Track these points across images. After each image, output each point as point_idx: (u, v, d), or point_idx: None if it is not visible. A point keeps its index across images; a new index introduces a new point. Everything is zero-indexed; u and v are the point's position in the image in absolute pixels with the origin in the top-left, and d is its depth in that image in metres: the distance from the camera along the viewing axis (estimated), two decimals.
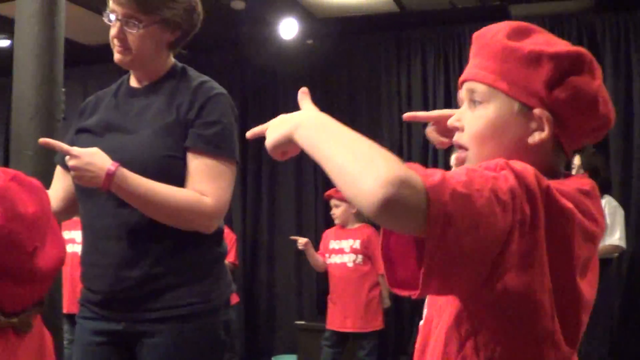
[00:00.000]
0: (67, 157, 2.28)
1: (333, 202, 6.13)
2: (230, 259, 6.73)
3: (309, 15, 7.34)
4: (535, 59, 1.43)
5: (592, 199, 1.43)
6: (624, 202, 6.32)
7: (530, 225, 1.25)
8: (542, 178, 1.29)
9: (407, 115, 1.81)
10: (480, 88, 1.48)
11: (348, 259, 5.97)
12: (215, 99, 2.46)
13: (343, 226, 6.14)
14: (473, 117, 1.49)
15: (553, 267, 1.29)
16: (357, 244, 5.96)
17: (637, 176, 6.94)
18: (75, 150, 2.28)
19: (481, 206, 1.20)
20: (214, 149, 2.42)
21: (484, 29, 1.53)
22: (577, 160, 5.77)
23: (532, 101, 1.44)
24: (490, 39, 1.49)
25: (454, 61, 7.55)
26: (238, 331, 7.83)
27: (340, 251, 6.01)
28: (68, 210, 2.64)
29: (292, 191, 8.07)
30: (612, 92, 7.00)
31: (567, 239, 1.32)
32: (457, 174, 1.24)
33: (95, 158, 2.27)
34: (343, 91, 7.89)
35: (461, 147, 1.52)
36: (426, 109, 7.51)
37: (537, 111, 1.43)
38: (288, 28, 7.36)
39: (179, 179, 2.39)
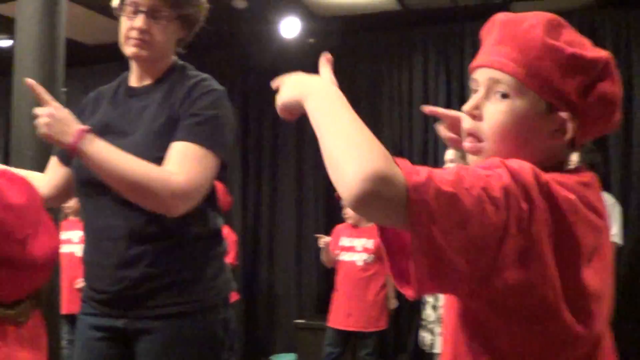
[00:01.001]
0: (42, 110, 2.26)
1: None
2: (229, 259, 6.73)
3: (310, 14, 7.34)
4: (574, 62, 1.42)
5: (592, 189, 1.42)
6: (623, 199, 6.31)
7: (527, 221, 1.24)
8: (540, 174, 1.28)
9: (428, 109, 1.78)
10: (508, 80, 1.43)
11: (358, 258, 5.96)
12: (209, 94, 2.42)
13: (355, 225, 6.11)
14: (497, 109, 1.44)
15: (559, 260, 1.28)
16: (370, 244, 5.93)
17: (636, 173, 6.94)
18: (55, 103, 2.26)
19: (470, 204, 1.19)
20: (195, 135, 2.34)
21: (515, 16, 1.50)
22: (575, 157, 5.74)
23: (559, 103, 1.42)
24: (525, 31, 1.44)
25: (455, 59, 7.55)
26: (237, 330, 7.83)
27: (351, 249, 6.00)
28: (56, 197, 2.64)
29: (293, 191, 8.07)
30: None
31: (571, 231, 1.30)
32: (446, 172, 1.24)
33: (70, 117, 2.26)
34: (344, 90, 7.69)
35: (473, 137, 1.48)
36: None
37: (563, 115, 1.42)
38: (290, 27, 7.36)
39: None
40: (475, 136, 1.47)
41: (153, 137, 2.36)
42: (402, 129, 7.74)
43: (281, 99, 1.58)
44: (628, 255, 6.71)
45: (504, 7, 7.08)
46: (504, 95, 1.43)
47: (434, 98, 7.60)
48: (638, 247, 6.81)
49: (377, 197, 1.15)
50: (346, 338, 6.03)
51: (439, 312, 4.68)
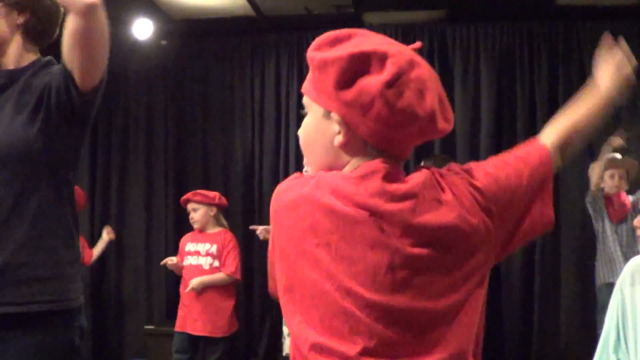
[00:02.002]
0: None
1: (190, 206, 6.01)
2: (85, 260, 6.58)
3: (164, 16, 7.26)
4: (323, 65, 1.49)
5: (362, 182, 1.48)
6: None
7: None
8: (280, 193, 1.59)
9: None
10: (304, 99, 1.57)
11: (204, 262, 5.87)
12: None
13: (202, 230, 6.05)
14: (302, 126, 1.58)
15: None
16: (213, 249, 5.88)
17: None
18: None
19: None
20: None
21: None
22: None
23: (330, 105, 1.49)
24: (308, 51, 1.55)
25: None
26: (86, 336, 7.62)
27: (197, 253, 5.91)
28: None
29: (142, 192, 7.92)
30: (461, 101, 7.23)
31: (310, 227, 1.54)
32: None
33: None
34: (196, 94, 7.83)
35: None
36: (279, 113, 7.58)
37: (332, 114, 1.49)
38: (142, 28, 7.24)
39: (41, 164, 2.34)
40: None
41: (18, 123, 2.33)
42: (254, 134, 7.74)
43: None
44: None
45: (357, 16, 7.20)
46: (306, 113, 1.57)
47: (286, 104, 7.65)
48: None
49: None
50: (194, 343, 5.94)
51: None
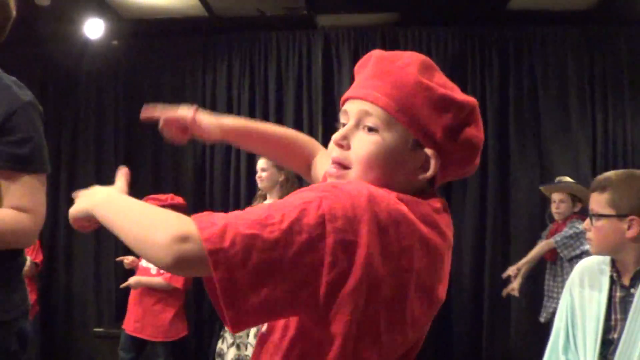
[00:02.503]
0: None
1: None
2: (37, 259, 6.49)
3: (115, 16, 7.21)
4: (443, 103, 1.46)
5: (441, 214, 1.47)
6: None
7: (349, 245, 1.27)
8: (378, 199, 1.33)
9: (144, 114, 1.90)
10: (379, 113, 1.46)
11: (153, 265, 5.81)
12: (23, 110, 2.36)
13: None
14: (365, 140, 1.47)
15: (386, 285, 1.32)
16: None
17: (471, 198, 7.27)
18: None
19: (275, 239, 1.22)
20: (29, 167, 2.34)
21: (390, 54, 1.53)
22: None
23: (426, 140, 1.46)
24: (400, 68, 1.48)
25: (259, 67, 7.62)
26: (34, 339, 7.55)
27: None
28: None
29: None
30: None
31: (404, 250, 1.34)
32: (254, 212, 1.27)
33: None
34: (147, 94, 7.77)
35: (339, 164, 1.50)
36: (230, 112, 7.55)
37: (428, 152, 1.47)
38: (94, 28, 7.18)
39: None
40: (342, 164, 1.49)
41: None
42: None
43: (71, 212, 1.63)
44: None
45: (310, 19, 7.21)
46: (373, 129, 1.46)
47: (237, 104, 7.64)
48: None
49: (183, 259, 1.21)
50: (140, 344, 5.88)
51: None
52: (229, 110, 7.60)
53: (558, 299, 5.64)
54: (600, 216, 2.67)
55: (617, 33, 7.25)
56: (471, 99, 1.52)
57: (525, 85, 7.26)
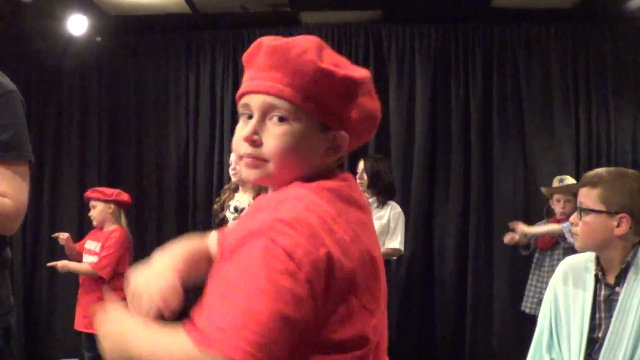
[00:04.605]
0: None
1: (91, 203, 5.97)
2: None
3: (99, 12, 7.18)
4: (344, 84, 1.49)
5: (353, 187, 1.57)
6: (403, 207, 6.54)
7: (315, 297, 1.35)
8: (318, 248, 1.36)
9: None
10: (284, 105, 1.49)
11: (92, 260, 5.79)
12: (5, 98, 2.37)
13: (101, 228, 5.96)
14: (277, 132, 1.50)
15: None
16: (98, 247, 5.80)
17: (416, 180, 7.23)
18: None
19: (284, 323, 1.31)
20: (10, 154, 2.33)
21: (283, 42, 1.53)
22: (361, 165, 5.94)
23: (333, 122, 1.51)
24: (297, 56, 1.49)
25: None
26: (17, 336, 7.50)
27: (88, 252, 5.85)
28: None
29: (75, 189, 7.79)
30: (396, 100, 7.27)
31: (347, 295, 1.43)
32: (236, 305, 1.31)
33: None
34: (131, 90, 7.75)
35: (258, 159, 1.52)
36: (213, 109, 7.58)
37: (337, 133, 1.53)
38: (77, 24, 7.14)
39: None
40: (257, 158, 1.52)
41: None
42: (189, 131, 7.71)
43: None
44: (406, 260, 7.01)
45: (293, 16, 7.20)
46: (282, 119, 1.49)
47: (221, 101, 7.62)
48: (416, 252, 7.12)
49: None
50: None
51: None
52: (213, 107, 7.60)
53: (542, 288, 5.72)
54: (590, 211, 2.68)
55: (600, 31, 7.27)
56: (365, 73, 1.55)
57: (509, 83, 7.28)
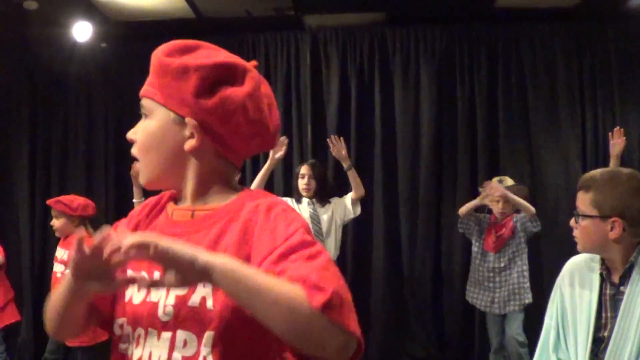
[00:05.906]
0: None
1: (53, 212, 5.86)
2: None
3: (104, 18, 7.20)
4: (183, 71, 1.52)
5: None
6: (411, 208, 6.55)
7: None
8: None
9: None
10: (146, 103, 1.60)
11: (58, 269, 5.79)
12: None
13: (66, 237, 5.84)
14: (140, 129, 1.61)
15: None
16: (66, 255, 5.71)
17: (423, 181, 7.28)
18: None
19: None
20: None
21: (158, 48, 1.62)
22: (304, 171, 5.94)
23: (184, 111, 1.54)
24: (154, 56, 1.59)
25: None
26: (26, 338, 7.54)
27: (63, 262, 5.77)
28: None
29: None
30: (401, 102, 7.27)
31: None
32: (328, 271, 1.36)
33: None
34: (136, 97, 7.67)
35: (136, 159, 1.62)
36: None
37: (187, 120, 1.54)
38: (82, 30, 7.16)
39: None
40: (135, 158, 1.63)
41: None
42: None
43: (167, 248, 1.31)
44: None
45: (297, 19, 7.20)
46: (146, 116, 1.60)
47: None
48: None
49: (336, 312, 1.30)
50: (68, 350, 5.87)
51: None
52: None
53: (495, 289, 5.92)
54: (584, 216, 2.67)
55: (605, 30, 7.26)
56: (221, 60, 1.56)
57: (514, 83, 7.28)
